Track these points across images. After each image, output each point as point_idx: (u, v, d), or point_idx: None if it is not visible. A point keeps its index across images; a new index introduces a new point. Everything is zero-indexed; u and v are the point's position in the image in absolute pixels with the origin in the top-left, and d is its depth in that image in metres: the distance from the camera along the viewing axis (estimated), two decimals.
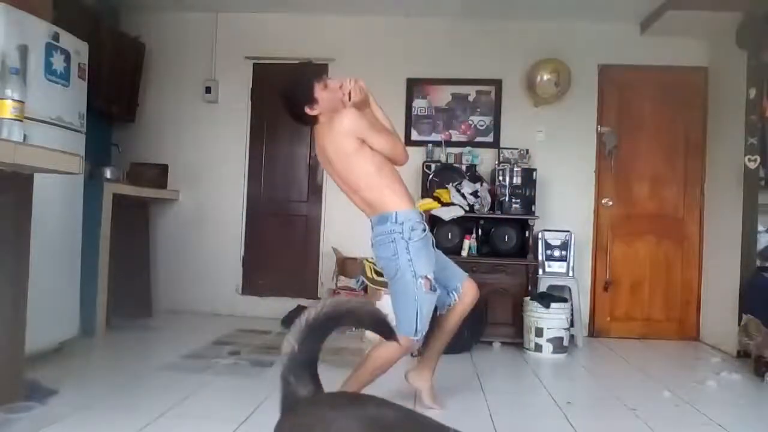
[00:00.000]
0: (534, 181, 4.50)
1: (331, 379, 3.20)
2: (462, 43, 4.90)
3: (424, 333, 2.44)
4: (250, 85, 5.06)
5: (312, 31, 4.99)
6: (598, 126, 4.86)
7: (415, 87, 4.96)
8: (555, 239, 4.47)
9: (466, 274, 2.72)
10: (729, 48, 4.30)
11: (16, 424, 2.20)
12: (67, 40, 3.28)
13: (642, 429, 2.55)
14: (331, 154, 2.48)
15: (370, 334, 4.26)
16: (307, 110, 2.48)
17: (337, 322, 1.14)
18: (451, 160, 4.73)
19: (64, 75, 3.26)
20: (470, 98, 4.95)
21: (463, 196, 4.39)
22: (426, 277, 2.38)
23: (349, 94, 2.50)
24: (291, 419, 1.07)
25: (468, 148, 4.83)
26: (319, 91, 2.47)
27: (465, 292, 2.64)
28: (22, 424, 2.21)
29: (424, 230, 2.44)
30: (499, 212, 4.46)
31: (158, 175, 4.89)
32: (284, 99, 2.57)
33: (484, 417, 2.60)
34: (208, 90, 5.01)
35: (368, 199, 2.48)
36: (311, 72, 2.62)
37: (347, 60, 4.94)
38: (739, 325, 3.78)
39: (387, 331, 1.19)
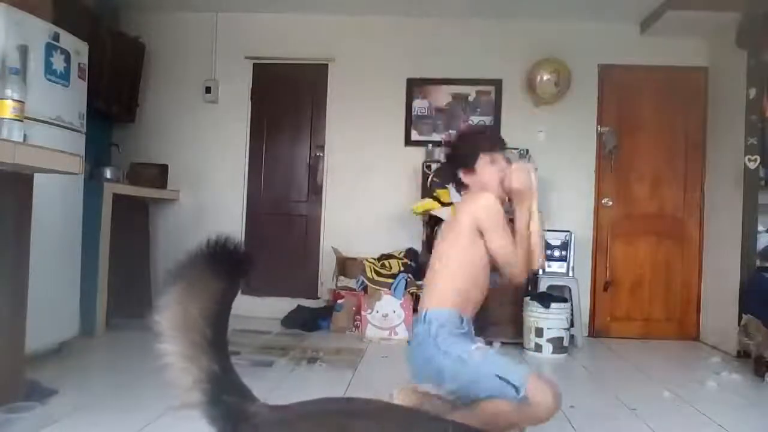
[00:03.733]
0: None
1: (332, 379, 3.23)
2: (462, 43, 4.90)
3: (526, 380, 1.81)
4: (250, 85, 5.06)
5: (312, 31, 4.99)
6: (598, 126, 4.86)
7: (415, 87, 4.96)
8: (555, 239, 4.47)
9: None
10: (729, 48, 4.31)
11: (16, 424, 2.19)
12: (67, 40, 3.28)
13: (642, 429, 2.55)
14: (447, 226, 2.22)
15: (370, 333, 4.25)
16: (461, 175, 2.23)
17: (226, 311, 0.97)
18: None
19: (64, 75, 3.25)
20: (470, 98, 4.95)
21: None
22: (472, 350, 1.92)
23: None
24: None
25: None
26: (482, 163, 2.18)
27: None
28: (22, 424, 2.20)
29: (459, 328, 2.01)
30: None
31: (158, 175, 4.88)
32: (447, 152, 2.38)
33: None
34: (208, 90, 5.01)
35: (431, 286, 2.11)
36: (487, 136, 2.35)
37: (347, 60, 4.96)
38: (739, 325, 3.79)
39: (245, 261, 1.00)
